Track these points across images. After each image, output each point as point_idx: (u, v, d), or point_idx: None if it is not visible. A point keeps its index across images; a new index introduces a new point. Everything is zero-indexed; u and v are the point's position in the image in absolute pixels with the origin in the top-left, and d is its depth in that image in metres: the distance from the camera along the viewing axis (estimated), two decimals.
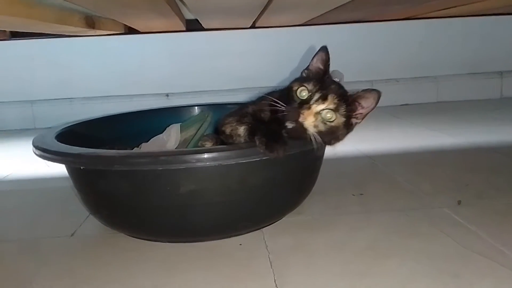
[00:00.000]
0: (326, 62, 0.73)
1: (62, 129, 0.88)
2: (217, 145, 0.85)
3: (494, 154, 1.22)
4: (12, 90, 1.99)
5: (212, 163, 0.64)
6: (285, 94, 0.72)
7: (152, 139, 1.02)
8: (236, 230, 0.75)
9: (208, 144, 0.88)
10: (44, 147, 0.72)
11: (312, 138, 0.67)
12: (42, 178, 1.19)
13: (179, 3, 1.34)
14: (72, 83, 2.00)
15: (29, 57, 1.98)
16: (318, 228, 0.78)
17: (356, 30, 2.04)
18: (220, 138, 0.82)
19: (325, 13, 1.37)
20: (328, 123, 0.68)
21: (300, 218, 0.82)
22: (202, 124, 1.02)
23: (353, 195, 0.93)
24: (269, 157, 0.64)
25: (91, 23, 1.29)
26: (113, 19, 1.42)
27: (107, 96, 2.01)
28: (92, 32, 1.43)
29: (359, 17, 1.84)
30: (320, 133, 0.68)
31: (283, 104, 0.68)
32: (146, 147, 1.00)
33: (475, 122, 1.65)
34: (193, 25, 1.74)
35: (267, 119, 0.74)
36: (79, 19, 1.23)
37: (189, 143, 0.99)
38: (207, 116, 1.05)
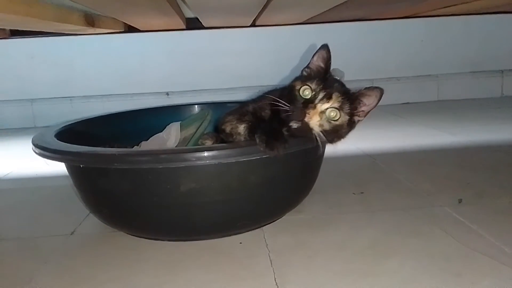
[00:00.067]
0: (327, 60, 0.72)
1: (62, 127, 0.88)
2: (217, 143, 0.85)
3: (495, 152, 1.22)
4: (12, 88, 1.99)
5: (212, 161, 0.64)
6: (287, 93, 0.71)
7: (152, 137, 1.02)
8: (236, 229, 0.74)
9: (208, 143, 0.88)
10: (44, 145, 0.72)
11: (317, 137, 0.67)
12: (42, 176, 1.19)
13: (179, 1, 1.34)
14: (72, 81, 2.00)
15: (29, 56, 1.98)
16: (319, 226, 0.77)
17: (357, 29, 2.04)
18: (220, 136, 0.82)
19: (325, 11, 1.37)
20: (332, 121, 0.67)
21: (301, 216, 0.82)
22: (202, 123, 1.02)
23: (354, 193, 0.93)
24: (269, 156, 0.64)
25: (91, 21, 1.29)
26: (112, 17, 1.42)
27: (107, 94, 2.01)
28: (91, 30, 1.43)
29: (360, 15, 1.83)
30: (324, 132, 0.67)
31: (286, 104, 0.67)
32: (146, 145, 1.00)
33: (476, 121, 1.65)
34: (193, 24, 1.74)
35: (268, 118, 0.73)
36: (78, 17, 1.23)
37: (189, 142, 0.99)
38: (207, 114, 1.05)
